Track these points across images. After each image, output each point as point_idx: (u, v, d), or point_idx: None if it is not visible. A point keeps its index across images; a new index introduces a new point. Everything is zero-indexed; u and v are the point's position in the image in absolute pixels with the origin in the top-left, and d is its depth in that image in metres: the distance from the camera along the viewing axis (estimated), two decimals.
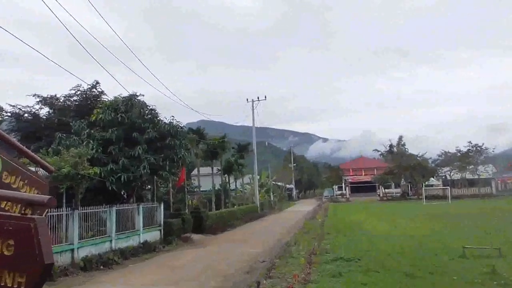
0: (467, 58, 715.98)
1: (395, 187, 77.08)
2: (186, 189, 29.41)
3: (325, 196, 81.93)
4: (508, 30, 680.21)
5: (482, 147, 66.62)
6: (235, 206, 38.96)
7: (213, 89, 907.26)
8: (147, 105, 21.22)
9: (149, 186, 23.18)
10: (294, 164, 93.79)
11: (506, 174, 66.39)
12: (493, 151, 68.24)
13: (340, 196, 77.41)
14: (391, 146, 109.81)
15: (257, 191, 45.97)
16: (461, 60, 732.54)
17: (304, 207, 56.91)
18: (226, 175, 41.46)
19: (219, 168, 40.14)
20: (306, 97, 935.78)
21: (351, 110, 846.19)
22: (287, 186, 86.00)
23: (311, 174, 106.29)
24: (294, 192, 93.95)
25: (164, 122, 21.04)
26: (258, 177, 53.21)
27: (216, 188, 40.40)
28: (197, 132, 34.13)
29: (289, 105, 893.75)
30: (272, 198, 57.63)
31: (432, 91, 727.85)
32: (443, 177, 73.08)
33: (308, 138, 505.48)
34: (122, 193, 20.85)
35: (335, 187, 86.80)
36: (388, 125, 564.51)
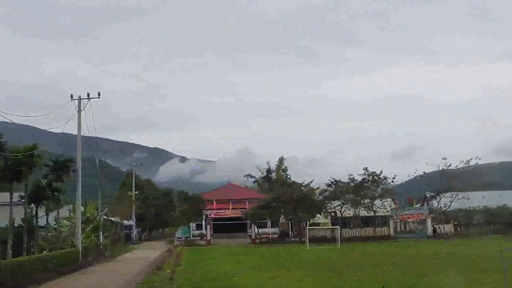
0: (379, 62, 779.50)
1: (272, 226, 79.97)
2: None
3: (178, 238, 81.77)
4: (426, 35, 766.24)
5: (380, 176, 72.72)
6: (45, 252, 36.97)
7: (18, 78, 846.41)
8: None
9: None
10: (136, 192, 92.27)
11: (407, 211, 73.09)
12: (392, 181, 74.97)
13: (198, 238, 77.86)
14: (268, 171, 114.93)
15: (80, 230, 44.10)
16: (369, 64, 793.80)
17: (149, 252, 56.11)
18: (33, 205, 39.47)
19: (23, 194, 38.07)
20: (161, 97, 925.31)
21: (224, 119, 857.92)
22: (125, 223, 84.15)
23: (161, 207, 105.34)
24: (135, 232, 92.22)
25: None
26: (82, 209, 51.35)
27: (16, 225, 38.19)
28: None
29: (136, 107, 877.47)
30: (102, 240, 55.94)
31: (334, 99, 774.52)
32: (333, 213, 77.91)
33: (160, 156, 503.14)
34: None
35: (193, 225, 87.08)
36: (275, 142, 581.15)
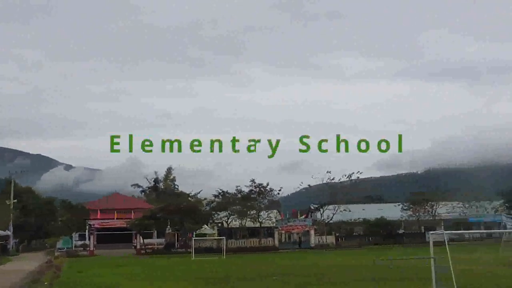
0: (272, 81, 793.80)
1: (159, 237, 78.92)
2: None
3: (60, 249, 78.74)
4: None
5: (267, 188, 74.23)
6: None
7: None
8: None
9: None
10: (15, 201, 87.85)
11: (291, 223, 74.78)
12: (279, 193, 76.76)
13: (81, 249, 75.43)
14: (156, 180, 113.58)
15: None
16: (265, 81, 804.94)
17: (26, 264, 53.50)
18: None
19: None
20: (46, 102, 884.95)
21: (111, 126, 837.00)
22: (1, 233, 79.72)
23: (42, 216, 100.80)
24: (12, 243, 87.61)
25: None
26: None
27: None
28: None
29: (18, 112, 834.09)
30: None
31: (222, 112, 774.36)
32: (220, 224, 78.30)
33: (44, 163, 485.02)
34: None
35: (76, 235, 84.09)
36: (163, 151, 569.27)
